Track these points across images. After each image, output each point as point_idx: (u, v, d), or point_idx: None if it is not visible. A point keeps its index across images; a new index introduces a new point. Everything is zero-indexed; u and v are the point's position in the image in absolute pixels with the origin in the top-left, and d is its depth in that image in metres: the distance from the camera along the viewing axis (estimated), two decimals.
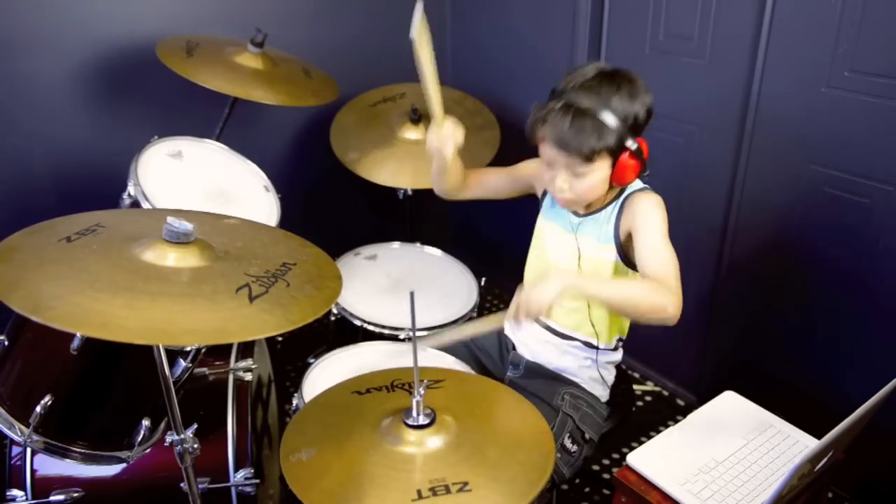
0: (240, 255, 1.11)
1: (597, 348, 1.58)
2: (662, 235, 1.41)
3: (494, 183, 1.73)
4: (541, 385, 1.58)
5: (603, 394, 1.61)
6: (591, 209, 1.51)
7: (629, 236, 1.46)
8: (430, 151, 1.60)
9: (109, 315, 0.90)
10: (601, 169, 1.39)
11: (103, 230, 1.11)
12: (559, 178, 1.42)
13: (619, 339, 1.61)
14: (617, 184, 1.43)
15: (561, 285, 1.29)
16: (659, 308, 1.28)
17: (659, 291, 1.30)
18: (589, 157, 1.35)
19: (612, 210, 1.49)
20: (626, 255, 1.48)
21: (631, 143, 1.37)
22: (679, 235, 1.86)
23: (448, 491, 1.03)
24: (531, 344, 1.66)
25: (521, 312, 1.31)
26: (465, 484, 1.04)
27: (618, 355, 1.63)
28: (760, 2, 1.83)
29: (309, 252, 1.22)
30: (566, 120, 1.33)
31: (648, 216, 1.42)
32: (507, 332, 1.74)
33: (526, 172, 1.67)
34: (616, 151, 1.37)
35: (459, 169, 1.69)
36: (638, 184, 1.50)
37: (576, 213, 1.54)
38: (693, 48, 2.03)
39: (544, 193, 1.63)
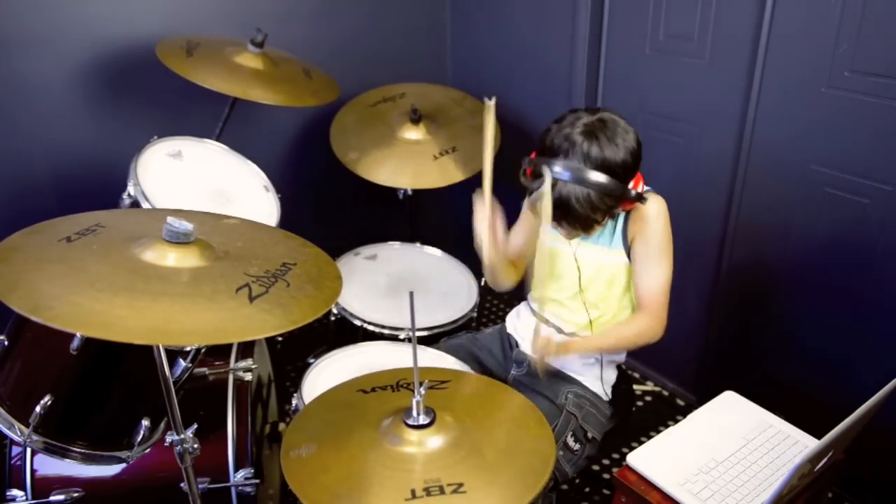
0: (240, 255, 1.11)
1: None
2: (663, 248, 1.49)
3: (523, 238, 1.71)
4: (545, 383, 1.58)
5: (605, 393, 1.61)
6: None
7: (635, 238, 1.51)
8: (478, 243, 1.60)
9: (109, 315, 0.90)
10: (605, 221, 1.45)
11: (103, 230, 1.11)
12: (563, 231, 1.48)
13: None
14: (621, 211, 1.48)
15: (558, 348, 1.51)
16: (643, 343, 1.52)
17: (642, 334, 1.51)
18: (591, 228, 1.42)
19: (616, 218, 1.51)
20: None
21: (629, 192, 1.39)
22: (679, 235, 1.86)
23: (442, 492, 1.03)
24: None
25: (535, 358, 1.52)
26: (461, 485, 1.04)
27: (621, 355, 1.64)
28: (760, 2, 1.83)
29: (309, 252, 1.22)
30: (562, 204, 1.36)
31: (654, 225, 1.48)
32: (510, 329, 1.75)
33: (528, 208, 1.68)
34: (617, 204, 1.40)
35: (504, 260, 1.67)
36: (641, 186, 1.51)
37: None
38: (693, 48, 2.03)
39: None
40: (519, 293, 1.77)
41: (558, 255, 1.60)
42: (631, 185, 1.40)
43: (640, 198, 1.42)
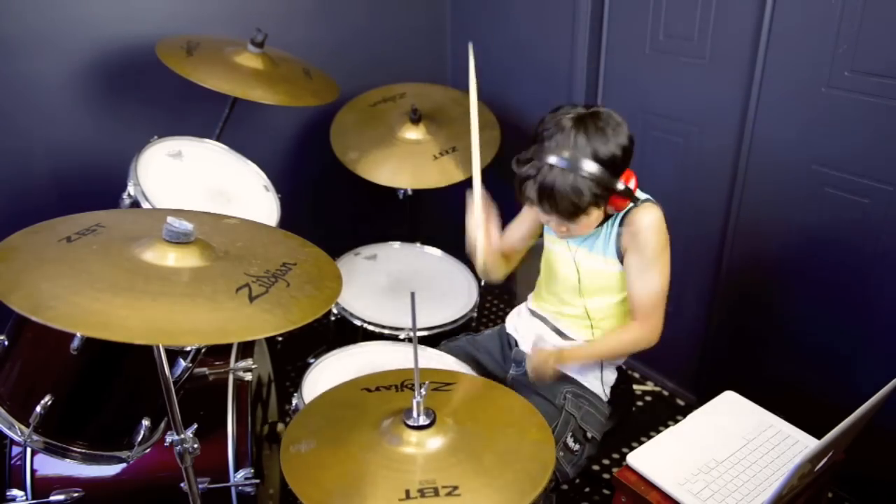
0: (240, 255, 1.11)
1: None
2: (656, 257, 1.47)
3: (520, 234, 1.72)
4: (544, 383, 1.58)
5: (604, 393, 1.61)
6: None
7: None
8: (471, 241, 1.63)
9: (109, 315, 0.90)
10: (593, 213, 1.42)
11: (103, 230, 1.11)
12: (554, 224, 1.46)
13: None
14: (614, 211, 1.46)
15: (555, 364, 1.52)
16: (638, 350, 1.54)
17: (637, 342, 1.52)
18: (575, 216, 1.39)
19: (610, 225, 1.51)
20: None
21: (618, 185, 1.38)
22: (679, 236, 1.87)
23: (437, 493, 1.03)
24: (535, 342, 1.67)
25: (533, 376, 1.54)
26: (455, 488, 1.04)
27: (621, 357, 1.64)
28: (760, 2, 1.83)
29: (309, 252, 1.22)
30: (546, 188, 1.36)
31: (646, 235, 1.46)
32: (510, 329, 1.75)
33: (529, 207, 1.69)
34: (604, 196, 1.39)
35: (496, 253, 1.68)
36: (638, 193, 1.51)
37: None
38: (693, 48, 2.03)
39: None
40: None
41: (558, 257, 1.60)
42: (621, 181, 1.39)
43: (629, 193, 1.41)
